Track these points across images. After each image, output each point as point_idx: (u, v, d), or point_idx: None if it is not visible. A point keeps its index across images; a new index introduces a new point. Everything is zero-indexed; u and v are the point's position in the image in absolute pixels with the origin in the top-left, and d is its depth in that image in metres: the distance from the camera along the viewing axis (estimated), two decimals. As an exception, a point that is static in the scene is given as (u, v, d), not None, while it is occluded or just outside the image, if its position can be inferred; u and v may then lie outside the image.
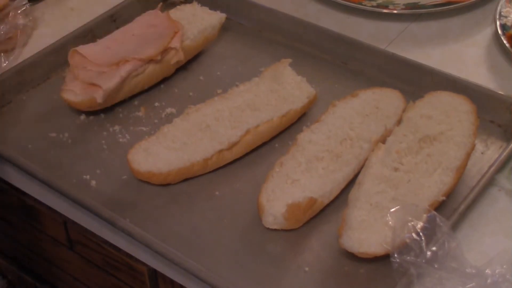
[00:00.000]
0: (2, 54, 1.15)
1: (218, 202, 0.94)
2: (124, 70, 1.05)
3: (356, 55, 1.13)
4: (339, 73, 1.13)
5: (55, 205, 1.00)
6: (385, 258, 0.82)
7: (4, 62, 1.14)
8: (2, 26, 1.15)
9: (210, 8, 1.18)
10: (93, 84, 1.04)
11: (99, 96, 1.02)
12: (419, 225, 0.81)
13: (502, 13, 1.18)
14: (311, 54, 1.16)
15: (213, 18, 1.16)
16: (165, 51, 1.08)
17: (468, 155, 0.92)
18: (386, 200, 0.87)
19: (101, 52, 1.08)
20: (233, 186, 0.96)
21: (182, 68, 1.13)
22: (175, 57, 1.10)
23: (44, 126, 1.05)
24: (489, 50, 1.17)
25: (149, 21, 1.15)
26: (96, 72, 1.05)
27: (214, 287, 0.83)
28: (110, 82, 1.03)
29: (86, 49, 1.08)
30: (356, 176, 0.93)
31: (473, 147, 0.93)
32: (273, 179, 0.92)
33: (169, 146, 0.97)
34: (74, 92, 1.04)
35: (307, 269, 0.86)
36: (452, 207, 0.90)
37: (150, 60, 1.07)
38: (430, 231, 0.81)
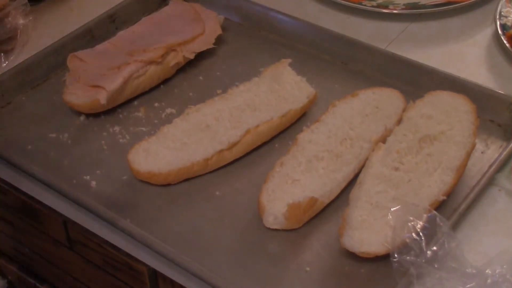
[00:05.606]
0: (2, 54, 1.15)
1: (218, 202, 0.94)
2: (127, 71, 1.05)
3: (356, 55, 1.13)
4: (339, 73, 1.12)
5: (55, 205, 1.00)
6: (385, 258, 0.82)
7: (4, 62, 1.14)
8: (2, 26, 1.15)
9: (210, 8, 1.18)
10: (96, 86, 1.04)
11: (102, 98, 1.02)
12: (419, 225, 0.81)
13: (502, 13, 1.18)
14: (311, 54, 1.16)
15: None
16: (166, 53, 1.08)
17: (468, 155, 0.92)
18: (386, 199, 0.87)
19: (100, 57, 1.09)
20: (233, 186, 0.96)
21: (182, 68, 1.13)
22: (175, 59, 1.10)
23: (44, 127, 1.05)
24: (489, 50, 1.17)
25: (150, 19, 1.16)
26: (98, 75, 1.05)
27: (214, 287, 0.83)
28: (113, 83, 1.03)
29: (84, 54, 1.08)
30: (356, 176, 0.93)
31: (473, 147, 0.93)
32: (273, 179, 0.92)
33: (169, 146, 0.97)
34: (77, 94, 1.04)
35: (307, 269, 0.86)
36: (452, 207, 0.90)
37: (151, 62, 1.07)
38: (430, 231, 0.81)
